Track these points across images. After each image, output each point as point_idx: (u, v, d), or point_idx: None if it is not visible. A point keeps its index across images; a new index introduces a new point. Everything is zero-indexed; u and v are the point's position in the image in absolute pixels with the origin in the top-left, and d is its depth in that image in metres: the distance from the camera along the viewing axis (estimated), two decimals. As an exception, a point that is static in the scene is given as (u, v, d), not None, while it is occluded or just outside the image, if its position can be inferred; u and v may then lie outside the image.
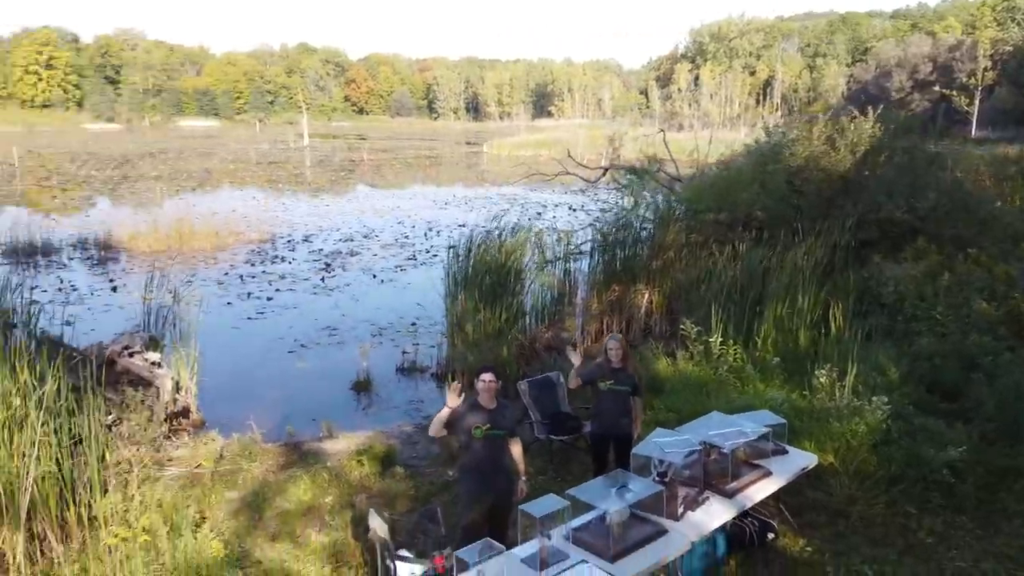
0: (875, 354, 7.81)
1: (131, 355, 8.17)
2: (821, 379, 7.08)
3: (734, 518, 5.82)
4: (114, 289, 14.80)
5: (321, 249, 19.15)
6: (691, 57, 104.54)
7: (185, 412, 8.50)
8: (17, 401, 5.48)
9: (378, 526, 5.10)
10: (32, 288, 10.88)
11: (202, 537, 5.39)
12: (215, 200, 28.67)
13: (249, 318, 13.03)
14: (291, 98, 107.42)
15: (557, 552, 4.71)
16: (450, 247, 10.60)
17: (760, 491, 5.61)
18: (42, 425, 5.59)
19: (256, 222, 22.23)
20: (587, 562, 4.64)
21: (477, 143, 65.91)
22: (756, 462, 5.85)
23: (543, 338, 10.63)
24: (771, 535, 5.91)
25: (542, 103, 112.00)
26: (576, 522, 4.95)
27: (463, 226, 10.62)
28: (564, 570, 4.53)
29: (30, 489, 5.22)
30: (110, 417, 7.31)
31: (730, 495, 5.43)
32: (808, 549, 5.94)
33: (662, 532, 4.93)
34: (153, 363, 8.31)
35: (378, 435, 8.05)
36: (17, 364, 5.70)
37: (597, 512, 4.97)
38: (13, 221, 20.63)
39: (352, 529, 6.04)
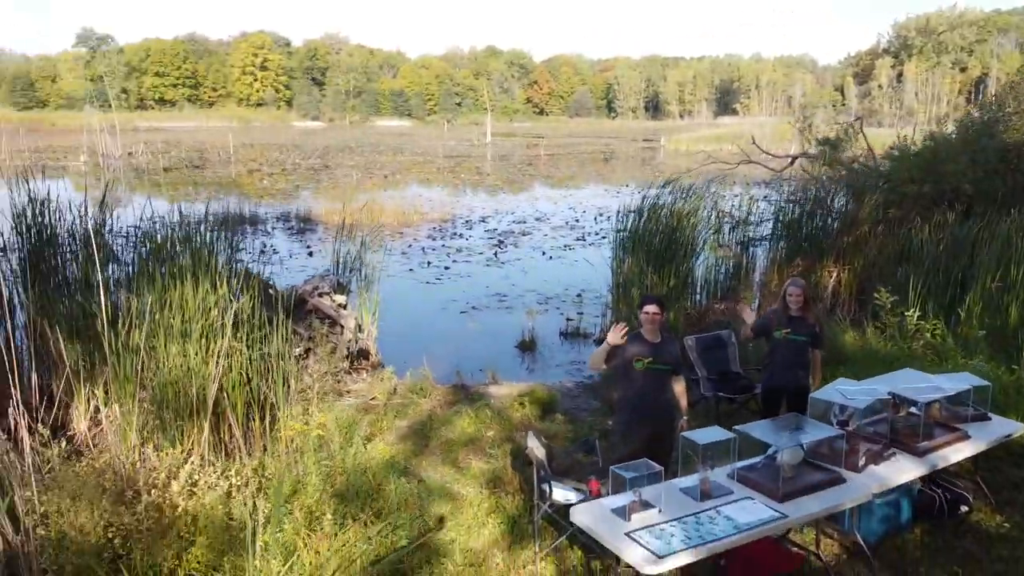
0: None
1: (320, 296, 8.79)
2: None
3: (923, 486, 5.28)
4: (310, 254, 16.05)
5: (495, 229, 19.70)
6: (894, 52, 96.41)
7: (365, 354, 9.03)
8: (215, 312, 6.05)
9: (535, 447, 5.11)
10: (238, 249, 12.04)
11: (371, 447, 5.68)
12: (403, 185, 30.34)
13: (427, 283, 13.68)
14: (477, 100, 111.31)
15: (720, 487, 4.49)
16: (619, 209, 10.44)
17: (955, 453, 5.03)
18: (236, 338, 6.15)
19: (439, 204, 23.33)
20: (753, 499, 4.38)
21: (654, 139, 64.84)
22: (952, 425, 5.25)
23: (714, 310, 10.23)
24: (964, 508, 5.30)
25: (726, 100, 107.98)
26: (742, 464, 4.69)
27: (633, 212, 10.52)
28: (727, 503, 4.31)
29: (217, 391, 5.72)
30: (298, 349, 7.95)
31: (920, 454, 4.91)
32: (1006, 525, 5.25)
33: (838, 480, 4.56)
34: (339, 305, 8.90)
35: (540, 386, 8.11)
36: (218, 281, 6.29)
37: (767, 455, 4.68)
38: (225, 197, 22.98)
39: (511, 460, 6.12)
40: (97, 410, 5.80)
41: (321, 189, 29.37)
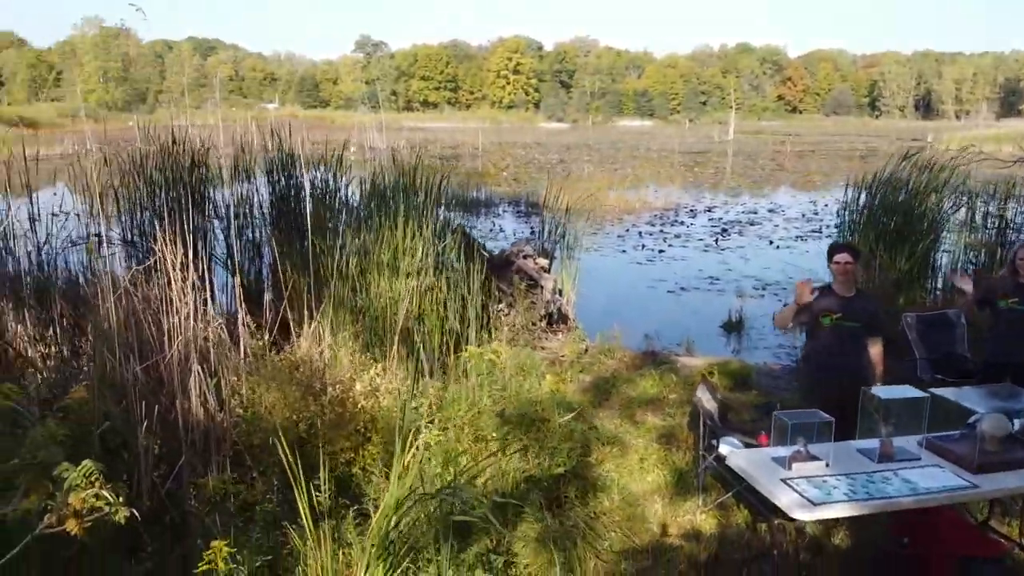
0: None
1: (524, 258, 9.13)
2: None
3: None
4: (532, 232, 16.65)
5: (721, 218, 19.00)
6: None
7: (563, 318, 9.23)
8: (420, 251, 6.55)
9: (706, 399, 4.94)
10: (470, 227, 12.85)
11: (547, 385, 5.83)
12: (633, 179, 30.32)
13: (638, 263, 13.60)
14: (723, 98, 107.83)
15: (905, 451, 4.02)
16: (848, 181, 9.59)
17: None
18: (436, 277, 6.64)
19: (664, 194, 23.01)
20: (942, 467, 3.87)
21: (920, 139, 58.34)
22: None
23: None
24: None
25: (1011, 101, 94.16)
26: (937, 434, 4.15)
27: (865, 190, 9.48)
28: (909, 468, 3.85)
29: (416, 320, 6.17)
30: (500, 305, 8.35)
31: None
32: None
33: (1059, 463, 3.87)
34: (542, 268, 9.18)
35: (737, 360, 7.76)
36: (425, 223, 6.80)
37: (967, 423, 4.11)
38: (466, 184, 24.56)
39: (689, 420, 5.94)
40: (315, 331, 6.56)
41: (555, 181, 30.30)
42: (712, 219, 18.87)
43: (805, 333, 4.85)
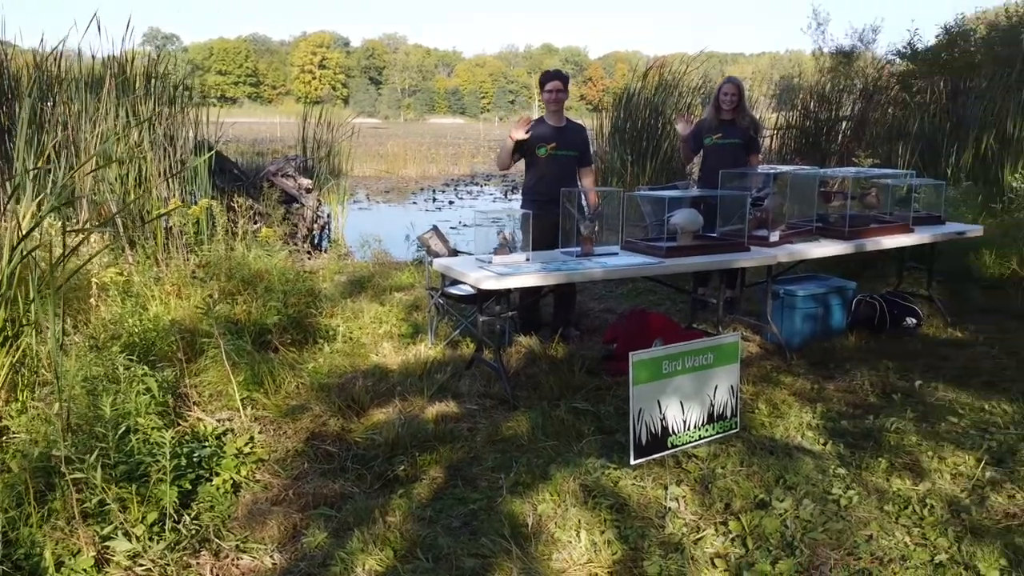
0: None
1: (284, 176, 8.65)
2: (1016, 183, 5.62)
3: (867, 297, 4.78)
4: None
5: (514, 179, 19.43)
6: None
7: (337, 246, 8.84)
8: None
9: (434, 243, 4.80)
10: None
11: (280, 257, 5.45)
12: (439, 155, 30.33)
13: (427, 211, 13.57)
14: (530, 97, 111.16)
15: (607, 250, 4.10)
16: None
17: (890, 241, 4.51)
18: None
19: (467, 166, 23.25)
20: (617, 253, 3.98)
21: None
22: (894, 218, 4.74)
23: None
24: (912, 320, 4.75)
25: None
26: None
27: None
28: (607, 258, 3.91)
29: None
30: (256, 226, 7.82)
31: (846, 237, 4.41)
32: (959, 335, 4.69)
33: (740, 247, 4.11)
34: (304, 187, 8.74)
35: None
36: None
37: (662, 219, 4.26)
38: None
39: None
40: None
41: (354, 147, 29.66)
42: (506, 181, 19.20)
43: (525, 167, 4.83)
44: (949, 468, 2.97)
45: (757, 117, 6.20)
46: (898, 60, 10.54)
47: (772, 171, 4.58)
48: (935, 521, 2.58)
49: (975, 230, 4.93)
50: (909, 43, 10.67)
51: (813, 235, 4.44)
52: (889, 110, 9.66)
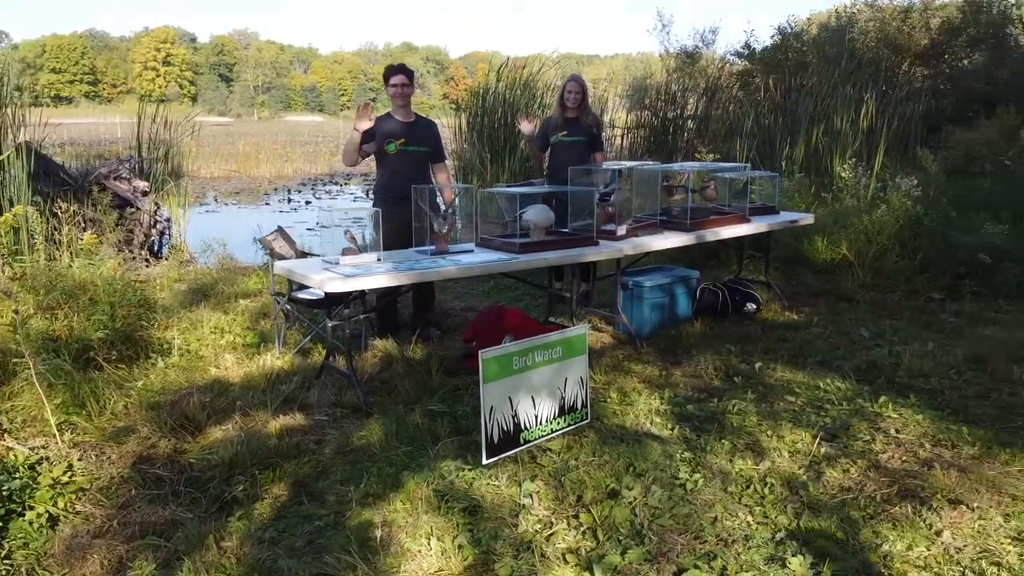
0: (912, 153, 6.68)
1: (116, 179, 7.99)
2: (844, 173, 6.05)
3: (710, 285, 4.98)
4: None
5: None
6: None
7: (178, 252, 8.27)
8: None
9: (279, 245, 4.57)
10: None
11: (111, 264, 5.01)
12: (295, 155, 29.28)
13: (281, 211, 13.00)
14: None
15: (461, 247, 4.04)
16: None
17: (729, 231, 4.73)
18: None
19: (324, 166, 22.55)
20: (472, 250, 3.94)
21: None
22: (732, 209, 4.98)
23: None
24: (752, 306, 5.00)
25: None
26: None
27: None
28: (462, 255, 3.85)
29: None
30: (85, 233, 7.15)
31: (688, 229, 4.58)
32: (795, 318, 4.99)
33: (589, 242, 4.16)
34: (140, 190, 8.12)
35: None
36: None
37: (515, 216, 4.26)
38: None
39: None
40: None
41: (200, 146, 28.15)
42: (368, 180, 18.78)
43: (376, 165, 4.68)
44: (787, 446, 3.12)
45: (604, 117, 6.35)
46: (737, 60, 11.16)
47: (617, 167, 4.69)
48: (775, 499, 2.69)
49: (807, 218, 5.27)
50: (746, 43, 11.35)
51: (658, 228, 4.57)
52: (729, 107, 10.25)
